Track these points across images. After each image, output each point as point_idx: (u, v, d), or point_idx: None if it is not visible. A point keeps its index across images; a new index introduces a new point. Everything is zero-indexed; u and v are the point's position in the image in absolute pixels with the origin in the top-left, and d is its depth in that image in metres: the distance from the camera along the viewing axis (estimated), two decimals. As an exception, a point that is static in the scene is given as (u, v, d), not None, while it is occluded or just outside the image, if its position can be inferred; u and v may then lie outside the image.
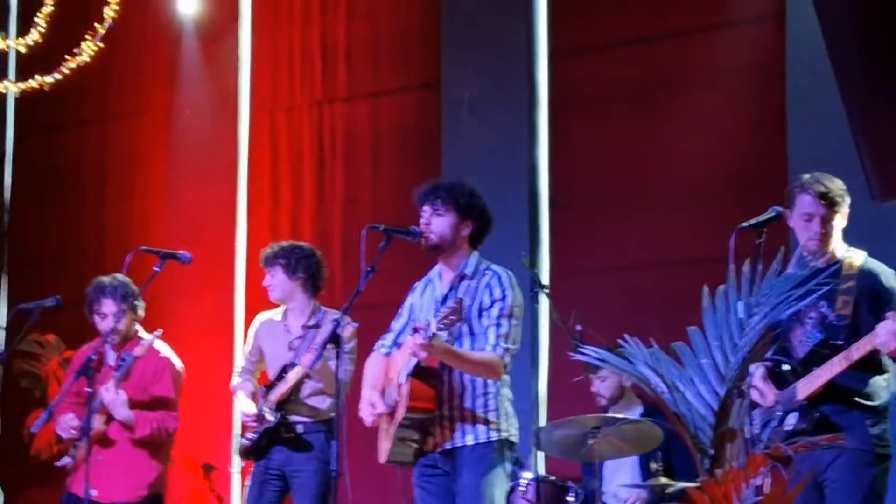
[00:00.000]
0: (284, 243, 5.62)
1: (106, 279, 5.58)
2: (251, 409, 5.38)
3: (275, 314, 5.59)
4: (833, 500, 4.20)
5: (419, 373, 4.35)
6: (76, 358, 5.79)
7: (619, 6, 6.69)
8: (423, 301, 4.53)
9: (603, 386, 5.64)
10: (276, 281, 5.46)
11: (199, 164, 7.81)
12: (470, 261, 4.46)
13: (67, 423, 5.44)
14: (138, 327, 5.61)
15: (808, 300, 3.61)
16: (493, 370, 4.33)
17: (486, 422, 4.36)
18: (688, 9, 6.49)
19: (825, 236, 4.30)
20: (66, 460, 5.49)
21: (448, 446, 4.37)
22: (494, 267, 4.45)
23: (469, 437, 4.35)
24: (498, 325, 4.34)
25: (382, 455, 4.46)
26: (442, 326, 4.16)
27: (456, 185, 4.49)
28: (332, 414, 5.28)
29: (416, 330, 4.24)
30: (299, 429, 5.32)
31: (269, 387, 5.40)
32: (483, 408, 4.37)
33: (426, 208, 4.45)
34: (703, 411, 2.99)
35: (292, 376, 5.29)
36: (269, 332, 5.55)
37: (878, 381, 4.27)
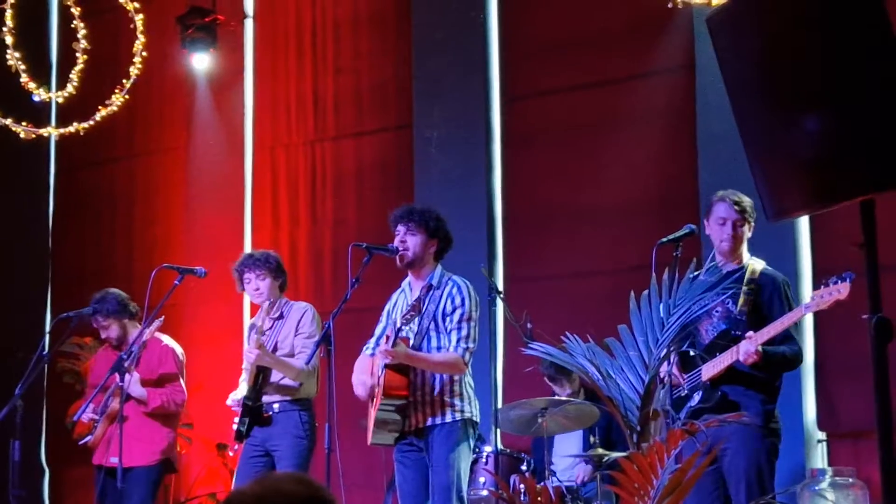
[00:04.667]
0: (256, 253, 5.34)
1: (95, 296, 5.55)
2: (236, 398, 5.21)
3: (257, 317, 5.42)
4: (729, 468, 4.18)
5: (392, 365, 4.38)
6: (96, 359, 5.81)
7: (557, 61, 6.71)
8: (396, 308, 4.58)
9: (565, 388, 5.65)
10: (265, 285, 5.26)
11: (211, 194, 7.78)
12: (435, 273, 4.50)
13: (88, 412, 5.47)
14: (138, 325, 5.57)
15: (718, 299, 3.65)
16: (456, 367, 4.37)
17: (452, 405, 4.38)
18: (615, 61, 6.52)
19: (735, 239, 4.32)
20: (87, 438, 5.51)
21: (421, 425, 4.39)
22: (455, 278, 4.50)
23: (438, 418, 4.37)
24: (459, 329, 4.38)
25: (368, 438, 4.47)
26: (403, 322, 4.30)
27: (426, 211, 4.53)
28: (308, 392, 5.21)
29: (387, 338, 4.34)
30: (275, 408, 5.14)
31: None
32: (450, 394, 4.40)
33: (401, 228, 4.48)
34: (631, 395, 3.01)
35: (252, 368, 5.10)
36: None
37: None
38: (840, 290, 3.82)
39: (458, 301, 4.40)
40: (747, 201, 4.32)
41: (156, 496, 5.55)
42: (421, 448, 4.41)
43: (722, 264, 4.33)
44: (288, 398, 5.20)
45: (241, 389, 5.31)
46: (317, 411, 6.91)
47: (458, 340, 4.37)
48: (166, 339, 5.61)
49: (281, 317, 5.26)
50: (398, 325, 4.37)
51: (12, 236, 8.06)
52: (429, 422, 4.38)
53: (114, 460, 5.07)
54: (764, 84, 2.28)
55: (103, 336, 5.59)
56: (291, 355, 5.18)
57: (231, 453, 5.36)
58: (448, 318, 4.39)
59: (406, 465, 4.45)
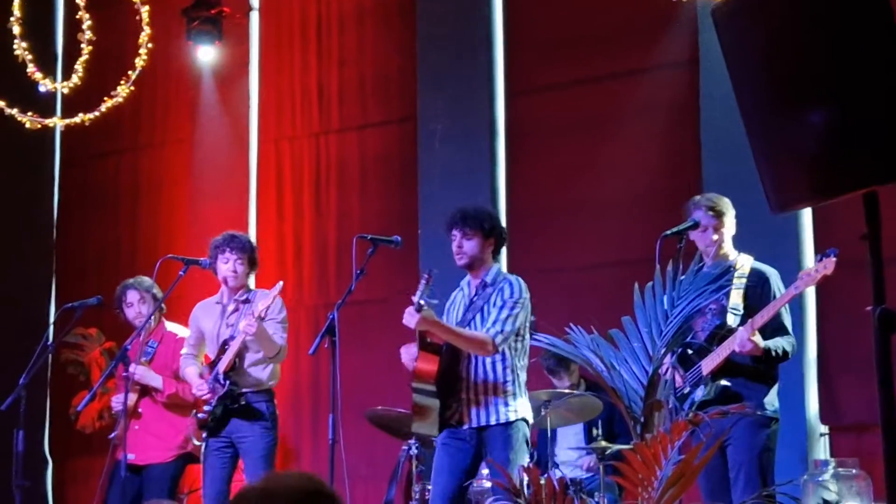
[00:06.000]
0: (242, 237, 5.27)
1: (129, 279, 5.63)
2: (203, 385, 5.09)
3: (210, 299, 5.34)
4: (734, 457, 4.26)
5: (426, 346, 4.36)
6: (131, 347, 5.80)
7: (562, 55, 6.71)
8: (454, 305, 4.55)
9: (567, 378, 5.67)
10: (242, 271, 5.21)
11: (215, 186, 7.79)
12: (491, 271, 4.46)
13: (116, 400, 5.51)
14: (163, 320, 5.62)
15: (715, 296, 3.69)
16: (483, 346, 4.30)
17: (507, 405, 4.36)
18: (619, 55, 6.53)
19: (718, 242, 4.39)
20: (113, 434, 5.53)
21: (475, 425, 4.37)
22: (510, 277, 4.47)
23: (493, 417, 4.34)
24: (499, 311, 4.34)
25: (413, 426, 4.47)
26: (420, 292, 4.21)
27: (480, 212, 4.47)
28: (272, 383, 5.15)
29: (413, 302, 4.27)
30: (241, 401, 5.05)
31: (214, 362, 5.13)
32: (503, 393, 4.36)
33: (456, 233, 4.42)
34: (635, 386, 3.02)
35: (234, 345, 5.03)
36: (206, 314, 5.28)
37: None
38: (826, 266, 3.90)
39: (506, 294, 4.37)
40: (722, 202, 4.40)
41: (175, 492, 5.56)
42: (470, 441, 4.38)
43: (710, 265, 4.37)
44: (255, 388, 5.12)
45: (194, 379, 5.16)
46: (321, 403, 6.95)
47: (493, 322, 4.32)
48: (182, 332, 5.60)
49: (247, 301, 5.20)
50: (417, 297, 4.26)
51: (17, 226, 8.07)
52: (482, 421, 4.36)
53: (130, 456, 5.10)
54: (768, 77, 2.29)
55: (131, 317, 5.57)
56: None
57: (197, 442, 5.21)
58: (494, 307, 4.36)
59: (448, 451, 4.42)
